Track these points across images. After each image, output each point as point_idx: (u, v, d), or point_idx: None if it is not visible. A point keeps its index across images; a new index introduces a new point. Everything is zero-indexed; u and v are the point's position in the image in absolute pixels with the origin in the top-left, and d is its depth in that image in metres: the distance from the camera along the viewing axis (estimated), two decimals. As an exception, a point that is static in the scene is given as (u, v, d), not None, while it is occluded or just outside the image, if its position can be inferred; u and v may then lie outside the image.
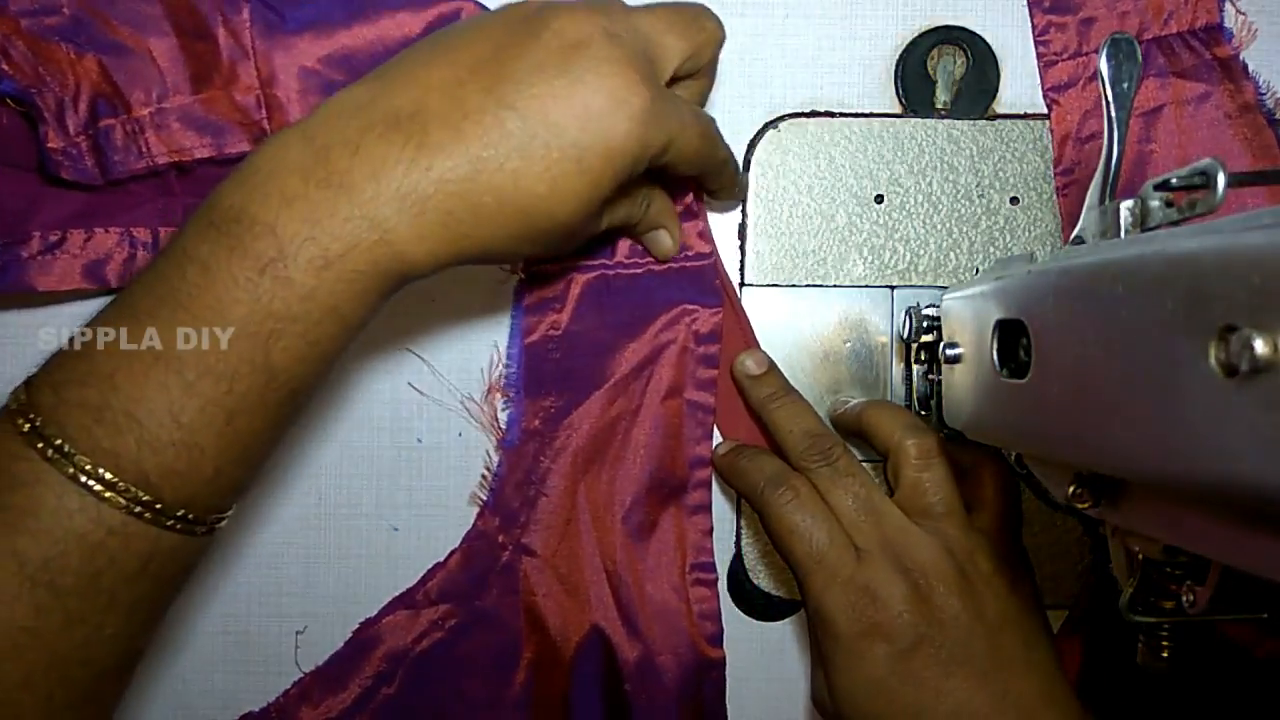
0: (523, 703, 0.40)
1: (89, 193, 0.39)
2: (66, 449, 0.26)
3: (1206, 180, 0.23)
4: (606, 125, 0.29)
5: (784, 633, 0.43)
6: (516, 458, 0.41)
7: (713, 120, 0.35)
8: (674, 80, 0.33)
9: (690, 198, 0.40)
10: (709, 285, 0.41)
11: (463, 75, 0.29)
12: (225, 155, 0.38)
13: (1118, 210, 0.27)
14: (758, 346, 0.41)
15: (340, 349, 0.29)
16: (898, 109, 0.42)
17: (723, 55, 0.40)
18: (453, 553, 0.41)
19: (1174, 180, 0.25)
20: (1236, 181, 0.23)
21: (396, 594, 0.41)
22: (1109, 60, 0.30)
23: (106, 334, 0.27)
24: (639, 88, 0.29)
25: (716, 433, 0.42)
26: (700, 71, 0.34)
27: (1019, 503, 0.39)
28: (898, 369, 0.42)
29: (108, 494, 0.26)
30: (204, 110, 0.38)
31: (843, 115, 0.42)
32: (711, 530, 0.41)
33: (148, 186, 0.39)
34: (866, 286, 0.42)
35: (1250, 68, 0.41)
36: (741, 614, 0.42)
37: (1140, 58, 0.30)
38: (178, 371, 0.26)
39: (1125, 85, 0.30)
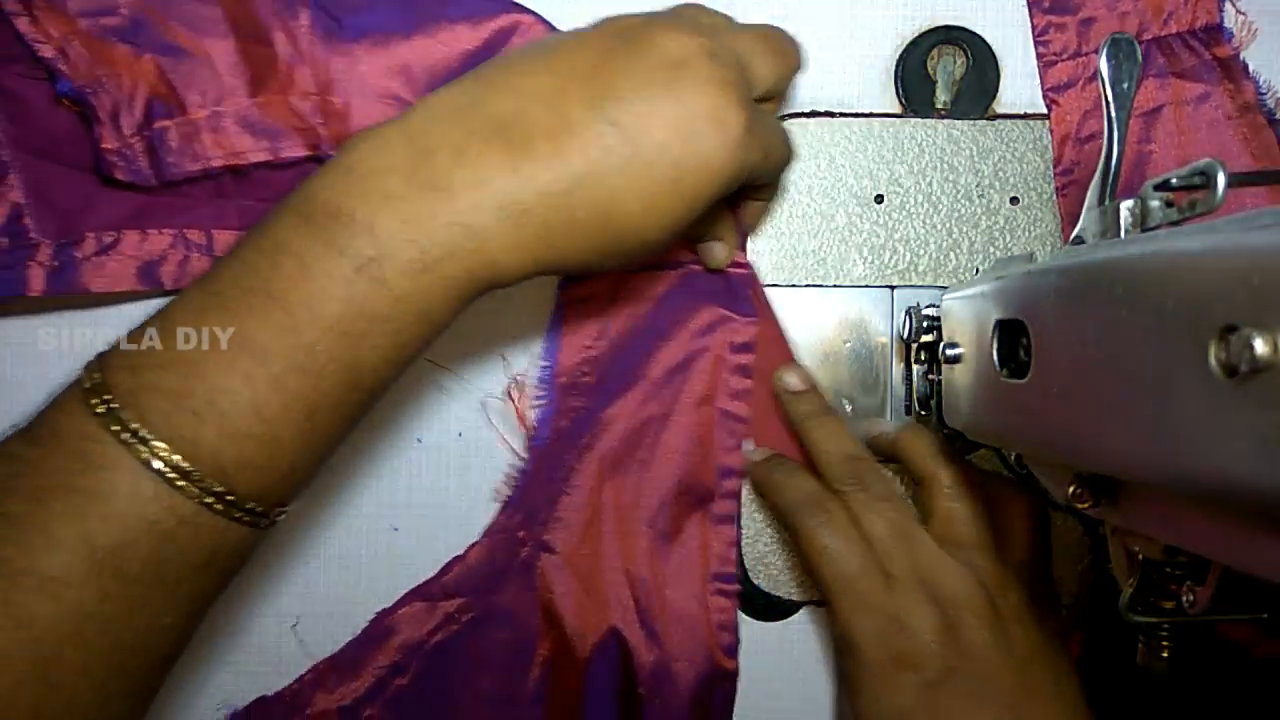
0: (536, 699, 0.40)
1: (143, 194, 0.39)
2: (143, 434, 0.25)
3: (1206, 180, 0.23)
4: (707, 146, 0.29)
5: (783, 633, 0.43)
6: (544, 456, 0.41)
7: (786, 131, 0.35)
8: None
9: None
10: (744, 293, 0.41)
11: (565, 86, 0.28)
12: (281, 159, 0.38)
13: (1118, 210, 0.27)
14: (794, 360, 0.41)
15: (422, 351, 0.29)
16: (898, 109, 0.42)
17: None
18: (472, 546, 0.41)
19: (1174, 180, 0.25)
20: (1236, 181, 0.23)
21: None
22: (1109, 60, 0.30)
23: (191, 321, 0.27)
24: (738, 109, 0.29)
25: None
26: (778, 96, 0.35)
27: (1049, 536, 0.39)
28: (898, 369, 0.42)
29: (181, 483, 0.26)
30: (260, 114, 0.38)
31: (843, 115, 0.42)
32: (736, 542, 0.41)
33: (202, 189, 0.39)
34: (866, 286, 0.42)
35: (1250, 68, 0.41)
36: (741, 614, 0.42)
37: (1140, 58, 0.30)
38: (264, 364, 0.26)
39: (1125, 85, 0.30)
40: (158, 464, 0.25)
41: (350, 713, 0.40)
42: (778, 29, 0.34)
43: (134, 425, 0.25)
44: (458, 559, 0.41)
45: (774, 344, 0.41)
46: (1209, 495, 0.20)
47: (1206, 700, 0.40)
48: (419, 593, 0.41)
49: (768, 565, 0.42)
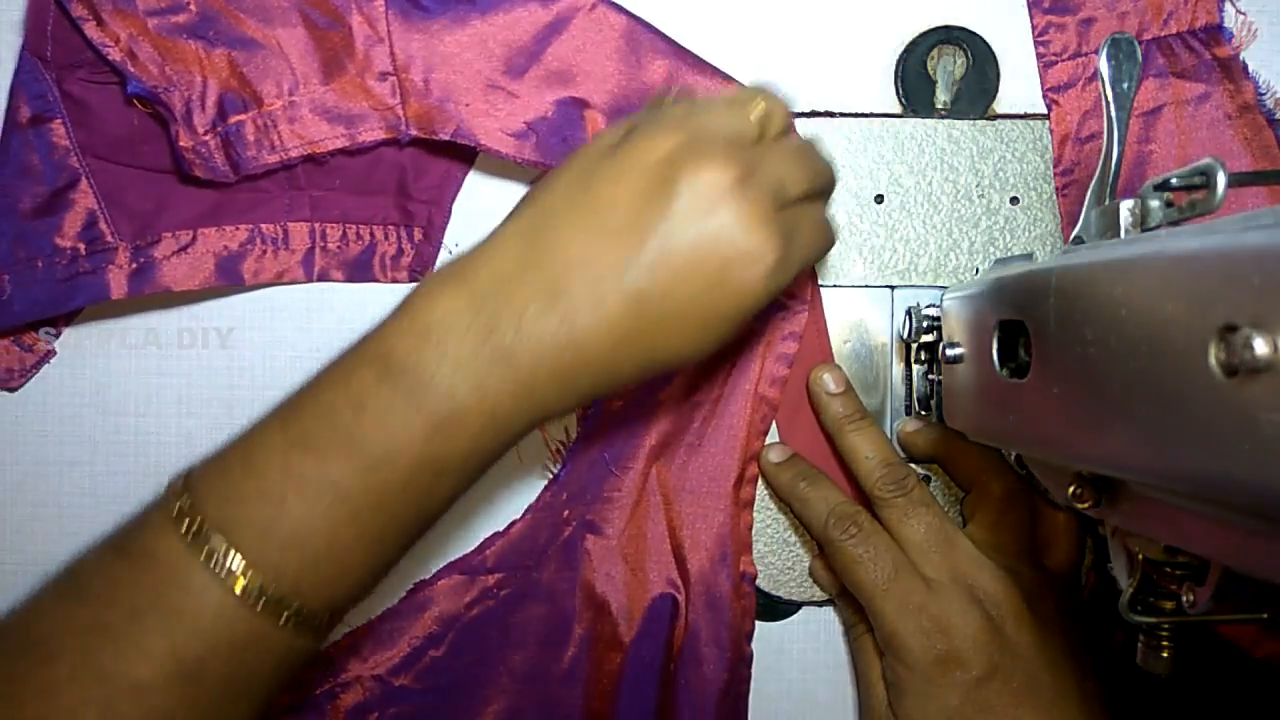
0: (569, 678, 0.40)
1: (217, 191, 0.39)
2: (232, 565, 0.27)
3: (1206, 180, 0.23)
4: (743, 287, 0.30)
5: (783, 634, 0.43)
6: (594, 436, 0.41)
7: (827, 221, 0.34)
8: None
9: None
10: (800, 282, 0.41)
11: (605, 247, 0.30)
12: (359, 145, 0.39)
13: (1118, 210, 0.27)
14: (833, 358, 0.42)
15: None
16: (898, 109, 0.42)
17: (722, 55, 0.40)
18: (514, 522, 0.41)
19: (1174, 180, 0.25)
20: (1236, 181, 0.23)
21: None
22: (1109, 60, 0.30)
23: (278, 460, 0.29)
24: (772, 242, 0.30)
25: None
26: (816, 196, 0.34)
27: (1084, 544, 0.40)
28: (898, 369, 0.42)
29: (260, 605, 0.28)
30: (337, 99, 0.38)
31: (843, 115, 0.42)
32: (752, 526, 0.42)
33: (275, 181, 0.40)
34: (866, 286, 0.42)
35: (1250, 68, 0.41)
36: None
37: (1140, 58, 0.30)
38: (345, 502, 0.28)
39: (1125, 85, 0.30)
40: (241, 589, 0.27)
41: (383, 681, 0.40)
42: (809, 142, 0.34)
43: (223, 552, 0.28)
44: (498, 534, 0.41)
45: (816, 337, 0.42)
46: (1209, 495, 0.20)
47: (1206, 700, 0.40)
48: (458, 565, 0.41)
49: (768, 565, 0.42)
